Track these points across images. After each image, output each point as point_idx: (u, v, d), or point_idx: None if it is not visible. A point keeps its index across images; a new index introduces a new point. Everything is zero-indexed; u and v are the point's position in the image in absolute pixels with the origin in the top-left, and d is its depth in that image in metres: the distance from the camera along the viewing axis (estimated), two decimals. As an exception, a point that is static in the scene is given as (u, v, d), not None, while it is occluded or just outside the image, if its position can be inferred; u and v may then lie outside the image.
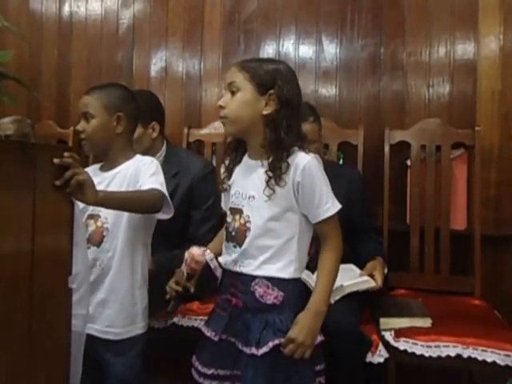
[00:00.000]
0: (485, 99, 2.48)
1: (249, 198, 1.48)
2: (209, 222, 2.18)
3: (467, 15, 2.52)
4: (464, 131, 2.39)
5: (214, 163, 2.61)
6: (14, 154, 1.04)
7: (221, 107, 1.48)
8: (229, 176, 1.57)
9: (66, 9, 3.16)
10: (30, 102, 3.12)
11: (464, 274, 2.31)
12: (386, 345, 1.81)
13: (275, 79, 1.44)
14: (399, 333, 1.83)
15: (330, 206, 1.44)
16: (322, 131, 2.17)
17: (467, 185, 2.41)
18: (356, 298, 1.83)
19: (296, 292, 1.47)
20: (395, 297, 2.19)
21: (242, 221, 1.48)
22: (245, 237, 1.47)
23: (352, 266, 1.97)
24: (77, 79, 3.11)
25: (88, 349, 1.62)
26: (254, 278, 1.45)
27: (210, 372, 1.49)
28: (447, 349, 1.76)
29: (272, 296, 1.44)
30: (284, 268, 1.45)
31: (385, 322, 1.87)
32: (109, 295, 1.68)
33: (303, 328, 1.38)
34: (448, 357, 1.75)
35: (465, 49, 2.53)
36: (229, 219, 1.53)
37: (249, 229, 1.46)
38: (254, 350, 1.39)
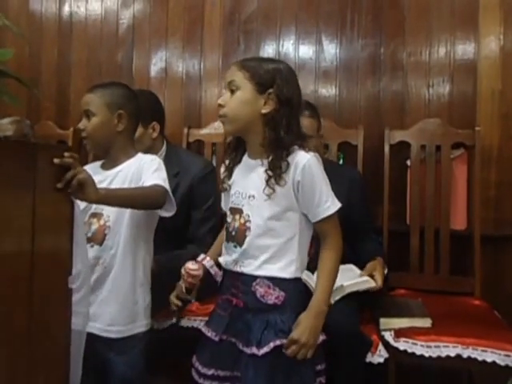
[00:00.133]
0: (485, 99, 2.48)
1: (249, 197, 1.48)
2: (209, 222, 2.18)
3: (467, 15, 2.52)
4: (464, 131, 2.39)
5: (214, 163, 2.61)
6: (14, 154, 1.04)
7: (220, 106, 1.48)
8: (229, 176, 1.57)
9: (66, 9, 3.15)
10: (30, 102, 3.12)
11: (464, 274, 2.31)
12: (386, 345, 1.81)
13: (275, 78, 1.44)
14: (399, 333, 1.83)
15: (330, 205, 1.44)
16: (322, 131, 2.17)
17: (467, 185, 2.41)
18: (356, 298, 1.83)
19: (297, 292, 1.46)
20: (395, 297, 2.19)
21: (242, 220, 1.48)
22: (245, 236, 1.47)
23: (352, 266, 1.97)
24: (77, 79, 3.11)
25: (90, 348, 1.62)
26: (254, 278, 1.45)
27: (210, 372, 1.49)
28: (447, 349, 1.76)
29: (273, 296, 1.44)
30: (285, 267, 1.45)
31: (385, 322, 1.87)
32: (111, 293, 1.68)
33: (306, 328, 1.39)
34: (448, 357, 1.75)
35: (465, 49, 2.53)
36: (229, 219, 1.53)
37: (249, 228, 1.46)
38: (254, 350, 1.39)
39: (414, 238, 2.36)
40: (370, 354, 1.79)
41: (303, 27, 2.74)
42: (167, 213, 1.65)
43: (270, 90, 1.43)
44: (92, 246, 1.68)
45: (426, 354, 1.76)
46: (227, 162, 1.59)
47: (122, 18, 3.05)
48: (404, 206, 2.46)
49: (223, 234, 1.61)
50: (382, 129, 2.50)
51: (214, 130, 2.67)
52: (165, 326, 2.00)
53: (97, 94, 1.73)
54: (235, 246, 1.49)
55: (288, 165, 1.42)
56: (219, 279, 1.59)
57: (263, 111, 1.44)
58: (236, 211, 1.51)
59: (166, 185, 1.63)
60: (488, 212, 2.43)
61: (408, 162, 2.46)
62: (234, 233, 1.50)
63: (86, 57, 3.10)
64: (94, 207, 1.69)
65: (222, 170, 1.60)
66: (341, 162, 2.53)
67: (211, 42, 2.88)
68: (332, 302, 1.67)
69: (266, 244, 1.45)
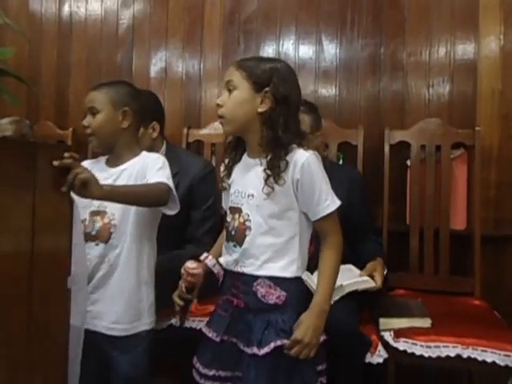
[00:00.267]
0: (485, 99, 2.48)
1: (248, 196, 1.48)
2: (208, 222, 2.18)
3: (467, 15, 2.52)
4: (464, 131, 2.38)
5: (214, 163, 2.61)
6: (14, 154, 1.04)
7: (218, 106, 1.49)
8: (228, 175, 1.57)
9: (66, 9, 3.16)
10: (29, 102, 3.12)
11: (464, 275, 2.31)
12: (386, 345, 1.81)
13: (271, 77, 1.44)
14: (399, 333, 1.82)
15: (330, 203, 1.44)
16: (320, 130, 2.16)
17: (467, 185, 2.41)
18: (355, 298, 1.82)
19: (298, 291, 1.46)
20: (395, 297, 2.19)
21: (242, 220, 1.48)
22: (244, 236, 1.46)
23: (351, 267, 1.97)
24: (76, 80, 3.11)
25: (95, 346, 1.64)
26: (255, 278, 1.45)
27: (211, 373, 1.49)
28: (447, 349, 1.75)
29: (274, 296, 1.43)
30: (286, 267, 1.44)
31: (384, 322, 1.87)
32: (116, 291, 1.68)
33: (308, 328, 1.38)
34: (448, 357, 1.75)
35: (465, 49, 2.53)
36: (228, 218, 1.53)
37: (249, 228, 1.46)
38: (255, 350, 1.39)
39: (414, 238, 2.36)
40: (369, 355, 1.78)
41: (303, 27, 2.74)
42: (171, 211, 1.66)
43: (267, 89, 1.43)
44: (97, 245, 1.68)
45: (426, 354, 1.76)
46: (227, 160, 1.59)
47: (122, 19, 3.05)
48: (404, 206, 2.46)
49: (224, 233, 1.60)
50: (382, 129, 2.49)
51: (214, 130, 2.66)
52: (163, 327, 2.00)
53: (102, 92, 1.74)
54: (235, 246, 1.49)
55: (287, 164, 1.42)
56: (221, 278, 1.58)
57: (259, 110, 1.44)
58: (235, 210, 1.50)
59: (170, 183, 1.63)
60: (488, 212, 2.42)
61: (408, 162, 2.46)
62: (233, 232, 1.50)
63: (85, 57, 3.10)
64: (98, 205, 1.69)
65: (222, 168, 1.60)
66: (341, 162, 2.53)
67: (211, 42, 2.88)
68: (331, 302, 1.67)
69: (267, 243, 1.44)
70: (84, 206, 1.68)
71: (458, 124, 2.44)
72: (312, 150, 1.46)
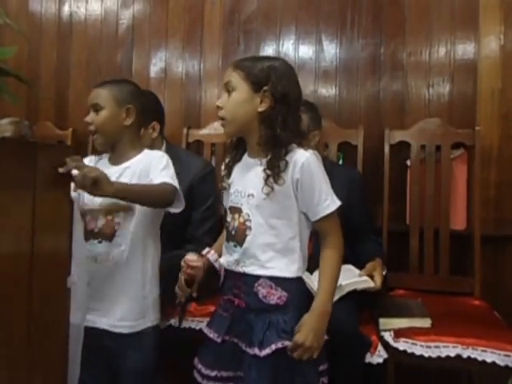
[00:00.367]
0: (485, 99, 2.48)
1: (248, 196, 1.47)
2: (208, 222, 2.18)
3: (467, 15, 2.52)
4: (464, 131, 2.38)
5: (214, 163, 2.61)
6: (14, 154, 1.04)
7: (218, 108, 1.48)
8: (228, 174, 1.57)
9: (66, 9, 3.15)
10: (29, 103, 3.12)
11: (464, 275, 2.31)
12: (386, 345, 1.81)
13: (269, 76, 1.43)
14: (399, 333, 1.82)
15: (330, 203, 1.43)
16: (318, 130, 2.15)
17: (467, 185, 2.41)
18: (355, 298, 1.82)
19: (299, 292, 1.46)
20: (395, 297, 2.19)
21: (242, 220, 1.47)
22: (245, 236, 1.46)
23: (351, 267, 1.96)
24: (76, 80, 3.11)
25: (101, 344, 1.64)
26: (257, 278, 1.44)
27: (213, 374, 1.48)
28: (447, 349, 1.75)
29: (275, 296, 1.43)
30: (287, 267, 1.44)
31: (384, 322, 1.87)
32: (120, 289, 1.68)
33: (310, 331, 1.38)
34: (448, 357, 1.75)
35: (465, 48, 2.53)
36: (228, 218, 1.53)
37: (249, 228, 1.46)
38: (256, 351, 1.38)
39: (414, 238, 2.36)
40: (369, 355, 1.78)
41: (303, 27, 2.74)
42: (175, 209, 1.66)
43: (265, 88, 1.43)
44: (100, 242, 1.68)
45: (426, 355, 1.76)
46: (227, 160, 1.59)
47: (122, 19, 3.05)
48: (404, 206, 2.46)
49: (224, 233, 1.60)
50: (382, 129, 2.49)
51: (214, 130, 2.67)
52: (162, 327, 2.00)
53: (105, 89, 1.75)
54: (235, 246, 1.48)
55: (287, 163, 1.41)
56: (223, 273, 1.57)
57: (259, 109, 1.44)
58: (235, 210, 1.50)
59: (175, 182, 1.63)
60: (488, 212, 2.42)
61: (408, 162, 2.46)
62: (233, 232, 1.49)
63: (85, 57, 3.10)
64: (99, 202, 1.70)
65: (223, 168, 1.60)
66: (340, 162, 2.53)
67: (211, 42, 2.88)
68: (331, 302, 1.67)
69: (268, 243, 1.44)
70: (85, 202, 1.69)
71: (458, 124, 2.44)
72: (312, 150, 1.45)
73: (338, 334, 1.61)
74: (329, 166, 1.58)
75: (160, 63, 2.97)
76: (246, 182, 1.50)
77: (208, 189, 2.18)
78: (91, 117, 1.74)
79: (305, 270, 1.48)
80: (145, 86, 2.90)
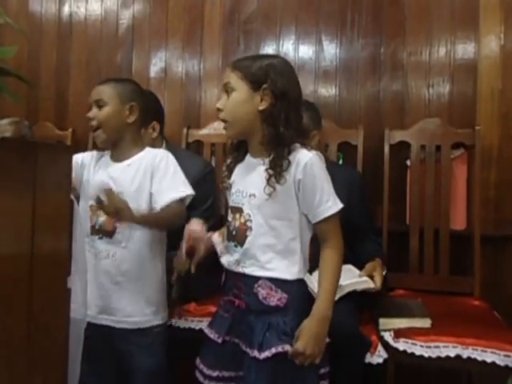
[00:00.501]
0: (485, 99, 2.48)
1: (249, 196, 1.46)
2: (208, 222, 2.16)
3: (468, 15, 2.52)
4: (464, 131, 2.38)
5: (213, 164, 2.61)
6: (14, 154, 1.04)
7: (219, 110, 1.47)
8: (229, 175, 1.56)
9: (66, 9, 3.15)
10: (29, 103, 3.12)
11: (463, 275, 2.31)
12: (386, 345, 1.81)
13: (268, 73, 1.42)
14: (398, 333, 1.82)
15: (332, 205, 1.41)
16: (316, 130, 2.15)
17: (467, 185, 2.41)
18: (355, 298, 1.82)
19: (300, 293, 1.44)
20: (394, 297, 2.19)
21: (243, 220, 1.46)
22: (245, 236, 1.45)
23: (350, 267, 1.96)
24: (76, 80, 3.11)
25: (107, 341, 1.65)
26: (257, 279, 1.43)
27: (215, 374, 1.48)
28: (447, 349, 1.75)
29: (275, 298, 1.42)
30: (288, 268, 1.43)
31: (384, 322, 1.87)
32: (126, 286, 1.68)
33: (310, 338, 1.36)
34: (447, 357, 1.75)
35: (465, 48, 2.53)
36: (229, 218, 1.52)
37: (250, 228, 1.45)
38: (255, 353, 1.37)
39: (414, 238, 2.36)
40: (369, 355, 1.78)
41: (303, 27, 2.74)
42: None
43: (264, 86, 1.41)
44: (101, 238, 1.69)
45: (426, 355, 1.76)
46: (228, 161, 1.58)
47: (122, 19, 3.04)
48: (404, 206, 2.46)
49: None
50: (382, 129, 2.49)
51: (214, 130, 2.67)
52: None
53: (109, 86, 1.76)
54: (236, 246, 1.48)
55: (289, 163, 1.40)
56: (222, 258, 1.54)
57: (260, 108, 1.42)
58: (236, 210, 1.49)
59: (186, 188, 1.68)
60: (488, 212, 2.42)
61: (408, 162, 2.46)
62: (234, 232, 1.49)
63: (85, 57, 3.10)
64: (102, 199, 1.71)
65: (224, 169, 1.59)
66: (340, 162, 2.53)
67: (211, 42, 2.88)
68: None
69: (268, 244, 1.43)
70: (89, 199, 1.70)
71: (458, 124, 2.44)
72: (315, 151, 1.44)
73: (338, 334, 1.60)
74: (329, 166, 1.57)
75: (160, 63, 2.97)
76: (247, 181, 1.48)
77: (208, 189, 2.18)
78: (94, 112, 1.74)
79: (306, 271, 1.47)
80: (145, 85, 2.90)
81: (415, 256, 2.34)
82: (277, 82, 1.41)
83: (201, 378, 1.51)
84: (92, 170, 1.81)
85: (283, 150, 1.41)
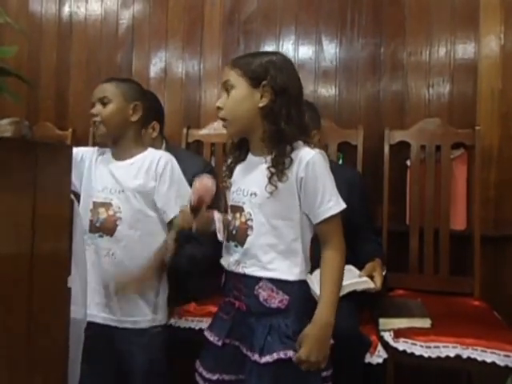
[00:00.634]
0: (485, 99, 2.48)
1: (250, 194, 1.43)
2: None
3: (468, 15, 2.52)
4: (464, 131, 2.38)
5: (213, 164, 2.61)
6: (15, 154, 1.03)
7: (219, 108, 1.46)
8: (229, 174, 1.53)
9: (66, 9, 3.15)
10: (29, 103, 3.12)
11: (463, 275, 2.31)
12: (385, 345, 1.81)
13: (267, 70, 1.41)
14: (398, 333, 1.82)
15: (333, 205, 1.39)
16: (321, 129, 2.15)
17: (467, 185, 2.41)
18: (355, 298, 1.82)
19: (301, 295, 1.42)
20: (394, 297, 2.19)
21: (243, 219, 1.44)
22: (246, 236, 1.43)
23: (351, 267, 1.96)
24: (76, 80, 3.11)
25: (107, 341, 1.65)
26: (257, 280, 1.41)
27: (215, 377, 1.45)
28: (446, 349, 1.75)
29: (277, 300, 1.39)
30: (289, 269, 1.40)
31: (384, 322, 1.87)
32: (127, 285, 1.68)
33: (313, 345, 1.33)
34: (447, 357, 1.74)
35: (465, 48, 2.53)
36: (229, 217, 1.49)
37: (251, 227, 1.42)
38: (256, 357, 1.35)
39: (414, 239, 2.36)
40: (369, 355, 1.78)
41: (303, 27, 2.74)
42: None
43: (264, 82, 1.40)
44: (101, 236, 1.70)
45: (426, 355, 1.76)
46: (229, 160, 1.56)
47: (122, 19, 3.04)
48: (404, 206, 2.46)
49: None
50: (382, 129, 2.49)
51: (214, 130, 2.67)
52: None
53: (113, 84, 1.78)
54: (236, 246, 1.45)
55: (291, 161, 1.38)
56: (220, 238, 1.50)
57: (260, 105, 1.41)
58: (236, 209, 1.47)
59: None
60: (488, 212, 2.42)
61: (408, 162, 2.46)
62: (234, 231, 1.46)
63: (85, 57, 3.10)
64: (104, 197, 1.71)
65: (224, 168, 1.57)
66: (340, 162, 2.53)
67: (211, 42, 2.88)
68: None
69: (269, 243, 1.40)
70: (90, 196, 1.71)
71: (458, 124, 2.44)
72: (319, 149, 1.42)
73: (338, 334, 1.60)
74: (331, 167, 1.57)
75: (160, 63, 2.97)
76: (249, 180, 1.46)
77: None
78: (98, 109, 1.75)
79: (308, 273, 1.45)
80: (145, 86, 2.89)
81: (415, 256, 2.34)
82: (277, 78, 1.40)
83: (201, 382, 1.48)
84: (93, 166, 1.81)
85: (285, 147, 1.39)
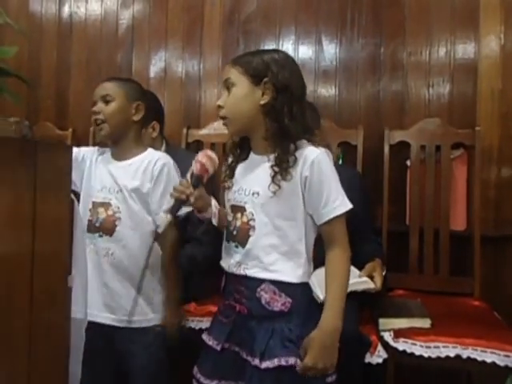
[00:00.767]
0: (485, 99, 2.48)
1: (253, 194, 1.40)
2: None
3: (468, 15, 2.52)
4: (464, 131, 2.38)
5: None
6: (15, 153, 1.04)
7: (219, 107, 1.43)
8: (231, 174, 1.50)
9: (66, 9, 3.15)
10: (29, 103, 3.12)
11: (463, 275, 2.31)
12: (385, 345, 1.81)
13: (269, 67, 1.38)
14: (398, 333, 1.82)
15: (338, 205, 1.36)
16: (321, 129, 2.15)
17: (467, 185, 2.41)
18: (355, 298, 1.82)
19: (304, 298, 1.39)
20: (394, 297, 2.19)
21: (245, 219, 1.40)
22: (248, 236, 1.39)
23: (351, 267, 1.96)
24: (76, 80, 3.11)
25: (108, 340, 1.65)
26: (259, 282, 1.37)
27: (213, 383, 1.42)
28: (446, 349, 1.75)
29: (279, 303, 1.36)
30: (292, 271, 1.37)
31: (384, 322, 1.87)
32: (124, 284, 1.68)
33: (319, 352, 1.29)
34: (447, 357, 1.74)
35: (465, 48, 2.53)
36: (229, 218, 1.46)
37: (253, 227, 1.39)
38: (256, 362, 1.32)
39: (414, 239, 2.36)
40: (368, 355, 1.78)
41: (303, 27, 2.74)
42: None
43: (266, 79, 1.37)
44: (101, 236, 1.70)
45: (426, 355, 1.76)
46: (230, 160, 1.53)
47: (122, 19, 3.04)
48: (403, 206, 2.46)
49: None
50: (382, 129, 2.49)
51: (214, 130, 2.67)
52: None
53: (116, 83, 1.79)
54: (236, 246, 1.42)
55: (296, 159, 1.35)
56: (215, 222, 1.47)
57: (262, 102, 1.38)
58: (238, 209, 1.43)
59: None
60: (488, 212, 2.42)
61: (408, 163, 2.46)
62: (235, 232, 1.43)
63: (85, 57, 3.10)
64: (103, 197, 1.72)
65: (224, 168, 1.55)
66: (340, 162, 2.53)
67: (211, 42, 2.88)
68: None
69: (272, 244, 1.37)
70: (89, 195, 1.71)
71: (458, 124, 2.44)
72: (324, 148, 1.40)
73: (338, 334, 1.61)
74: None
75: (160, 63, 2.97)
76: (251, 179, 1.43)
77: (208, 186, 2.17)
78: (100, 107, 1.75)
79: (310, 274, 1.42)
80: (145, 85, 2.88)
81: (415, 256, 2.34)
82: (278, 75, 1.37)
83: None
84: (93, 165, 1.82)
85: (289, 144, 1.36)
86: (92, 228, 1.71)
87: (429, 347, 1.76)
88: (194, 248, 1.96)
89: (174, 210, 1.40)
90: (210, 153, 1.47)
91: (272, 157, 1.38)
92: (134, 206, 1.70)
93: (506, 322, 1.96)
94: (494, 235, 2.40)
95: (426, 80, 2.57)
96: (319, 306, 1.37)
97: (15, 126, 2.76)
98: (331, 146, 2.48)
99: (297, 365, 1.31)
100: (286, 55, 1.46)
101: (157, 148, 2.20)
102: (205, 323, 1.87)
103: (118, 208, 1.70)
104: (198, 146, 2.77)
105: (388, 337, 1.82)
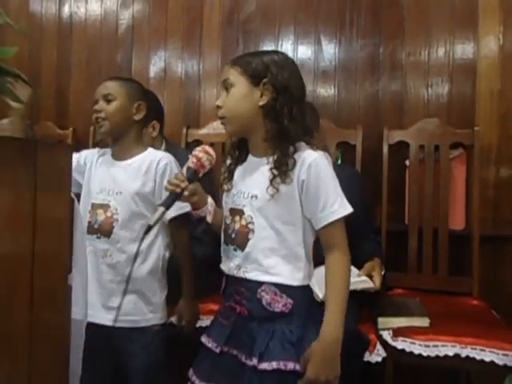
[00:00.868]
0: (484, 99, 2.49)
1: (251, 197, 1.38)
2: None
3: (467, 15, 2.53)
4: (463, 131, 2.39)
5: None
6: (15, 153, 1.04)
7: (218, 107, 1.42)
8: (230, 177, 1.48)
9: (66, 9, 3.16)
10: (29, 102, 3.12)
11: (462, 274, 2.32)
12: (384, 344, 1.82)
13: (268, 68, 1.37)
14: (397, 332, 1.83)
15: (338, 208, 1.34)
16: (320, 130, 2.16)
17: (466, 185, 2.42)
18: (354, 297, 1.81)
19: (305, 299, 1.37)
20: (393, 296, 2.19)
21: (244, 222, 1.38)
22: (247, 239, 1.37)
23: (350, 267, 1.96)
24: (76, 80, 3.12)
25: (107, 340, 1.65)
26: (260, 284, 1.35)
27: None
28: (445, 348, 1.76)
29: (280, 304, 1.34)
30: (292, 274, 1.35)
31: (383, 321, 1.87)
32: (121, 286, 1.68)
33: (321, 363, 1.26)
34: (446, 356, 1.75)
35: (464, 49, 2.53)
36: (227, 220, 1.44)
37: (252, 231, 1.37)
38: (255, 362, 1.29)
39: (413, 238, 2.36)
40: (367, 353, 1.79)
41: (302, 27, 2.75)
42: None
43: (265, 80, 1.36)
44: (99, 238, 1.70)
45: (424, 354, 1.76)
46: (228, 162, 1.51)
47: (122, 19, 3.05)
48: (402, 206, 2.46)
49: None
50: (381, 129, 2.50)
51: (213, 130, 2.67)
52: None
53: (117, 83, 1.79)
54: (235, 250, 1.40)
55: (294, 162, 1.33)
56: (209, 220, 1.48)
57: (261, 103, 1.36)
58: (236, 212, 1.41)
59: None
60: (487, 212, 2.43)
61: (407, 162, 2.46)
62: (233, 235, 1.40)
63: (85, 57, 3.11)
64: (102, 198, 1.72)
65: (223, 170, 1.52)
66: (339, 161, 2.53)
67: (210, 42, 2.89)
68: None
69: (271, 247, 1.35)
70: (89, 197, 1.71)
71: (457, 124, 2.45)
72: (322, 151, 1.38)
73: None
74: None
75: (159, 63, 2.97)
76: (250, 182, 1.41)
77: (206, 188, 2.18)
78: (101, 105, 1.75)
79: (311, 277, 1.40)
80: (144, 85, 2.87)
81: (414, 256, 2.35)
82: (278, 76, 1.36)
83: None
84: (93, 167, 1.82)
85: (288, 146, 1.35)
86: (91, 229, 1.71)
87: (428, 346, 1.77)
88: (194, 247, 1.96)
89: (167, 203, 1.38)
90: (207, 148, 1.46)
91: (271, 159, 1.37)
92: (134, 208, 1.70)
93: (505, 321, 1.97)
94: (493, 235, 2.40)
95: (425, 80, 2.57)
96: (320, 306, 1.37)
97: (15, 125, 2.75)
98: (329, 148, 2.49)
99: (296, 370, 1.29)
100: (285, 56, 1.44)
101: (157, 147, 2.20)
102: (205, 321, 1.87)
103: (117, 210, 1.70)
104: (197, 145, 2.72)
105: (387, 336, 1.83)
